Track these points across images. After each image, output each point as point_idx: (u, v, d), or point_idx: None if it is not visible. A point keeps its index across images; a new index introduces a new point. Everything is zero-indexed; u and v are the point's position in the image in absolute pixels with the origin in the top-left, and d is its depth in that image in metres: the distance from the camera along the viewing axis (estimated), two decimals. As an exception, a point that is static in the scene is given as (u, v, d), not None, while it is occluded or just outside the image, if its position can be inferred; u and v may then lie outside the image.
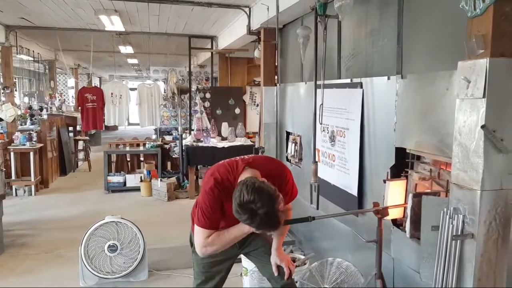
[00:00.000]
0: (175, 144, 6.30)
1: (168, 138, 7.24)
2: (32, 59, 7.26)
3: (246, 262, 2.58)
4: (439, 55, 1.86)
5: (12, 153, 5.58)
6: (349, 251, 2.64)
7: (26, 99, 8.55)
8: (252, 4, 4.32)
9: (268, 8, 3.65)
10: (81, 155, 7.94)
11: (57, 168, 6.76)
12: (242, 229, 1.68)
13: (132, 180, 5.88)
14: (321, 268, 2.21)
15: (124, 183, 5.87)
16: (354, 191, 2.52)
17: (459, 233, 1.47)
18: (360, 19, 2.55)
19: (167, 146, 6.35)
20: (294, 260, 2.61)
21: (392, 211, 1.93)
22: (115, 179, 5.85)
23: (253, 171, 1.69)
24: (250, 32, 4.40)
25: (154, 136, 7.97)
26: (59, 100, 9.45)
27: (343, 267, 2.15)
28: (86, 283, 2.96)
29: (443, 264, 1.53)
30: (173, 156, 6.29)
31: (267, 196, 1.49)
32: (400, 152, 2.11)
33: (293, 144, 3.74)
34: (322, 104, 2.56)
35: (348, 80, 2.66)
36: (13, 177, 5.58)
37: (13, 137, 5.74)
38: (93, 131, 8.89)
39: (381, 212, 1.79)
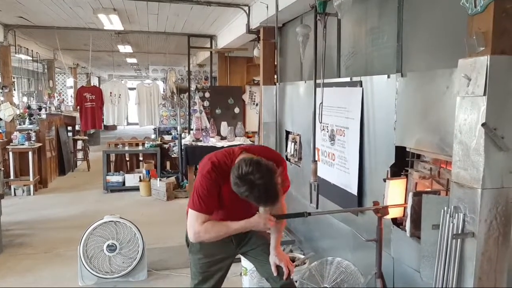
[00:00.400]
0: (174, 143, 6.29)
1: (167, 137, 7.23)
2: (31, 58, 7.24)
3: (245, 262, 2.57)
4: (439, 53, 1.85)
5: (10, 153, 5.57)
6: (349, 250, 2.63)
7: (24, 99, 8.53)
8: (252, 3, 4.31)
9: (267, 7, 3.64)
10: (80, 154, 7.93)
11: (56, 167, 6.75)
12: (241, 224, 1.67)
13: (131, 179, 5.87)
14: (320, 268, 2.21)
15: (123, 183, 5.86)
16: (354, 190, 2.51)
17: (459, 232, 1.47)
18: (360, 17, 2.54)
19: (166, 146, 6.34)
20: (293, 260, 2.60)
21: (392, 210, 1.92)
22: (114, 178, 5.84)
23: (250, 155, 1.68)
24: (249, 31, 4.39)
25: (153, 136, 7.95)
26: (58, 99, 9.44)
27: (343, 266, 2.14)
28: (85, 283, 2.95)
29: (443, 263, 1.53)
30: (172, 156, 6.28)
31: (265, 168, 1.52)
32: (400, 151, 2.10)
33: (293, 143, 3.74)
34: (321, 103, 2.55)
35: (348, 79, 2.65)
36: (12, 176, 5.56)
37: (12, 136, 5.72)
38: (92, 131, 8.87)
39: (381, 211, 1.78)
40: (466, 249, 1.46)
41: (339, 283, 2.10)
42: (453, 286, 1.49)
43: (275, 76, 4.18)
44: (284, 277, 1.83)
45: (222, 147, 5.44)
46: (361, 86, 2.45)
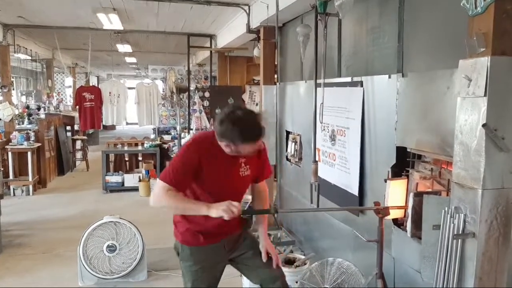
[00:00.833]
0: (174, 143, 6.28)
1: (166, 137, 7.22)
2: (30, 58, 7.22)
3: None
4: (440, 54, 1.85)
5: (9, 153, 5.55)
6: (349, 251, 2.63)
7: (23, 98, 8.52)
8: (252, 2, 4.30)
9: (267, 6, 3.64)
10: (79, 154, 7.91)
11: (55, 167, 6.73)
12: (202, 206, 1.60)
13: (130, 180, 5.86)
14: (321, 268, 2.21)
15: (123, 183, 5.85)
16: (354, 191, 2.52)
17: (460, 232, 1.47)
18: (361, 17, 2.54)
19: (165, 146, 6.33)
20: (294, 260, 2.61)
21: (393, 210, 1.92)
22: (113, 178, 5.83)
23: None
24: (249, 30, 4.39)
25: (152, 136, 7.94)
26: (57, 99, 9.42)
27: (344, 267, 2.14)
28: (85, 283, 2.95)
29: (444, 264, 1.53)
30: (172, 156, 6.27)
31: (247, 108, 1.62)
32: (401, 151, 2.10)
33: (293, 143, 3.73)
34: (322, 103, 2.55)
35: (348, 79, 2.65)
36: (11, 176, 5.54)
37: (11, 136, 5.71)
38: (91, 131, 8.85)
39: (382, 212, 1.78)
40: (466, 250, 1.47)
41: (340, 284, 2.11)
42: (454, 286, 1.49)
43: (275, 76, 4.18)
44: (274, 264, 1.79)
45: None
46: (361, 86, 2.45)
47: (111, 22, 5.16)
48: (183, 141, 5.75)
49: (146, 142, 6.34)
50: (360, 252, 2.48)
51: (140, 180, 5.80)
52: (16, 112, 6.35)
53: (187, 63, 6.88)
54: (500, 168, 1.40)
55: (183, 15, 5.05)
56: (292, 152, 3.73)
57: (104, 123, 7.51)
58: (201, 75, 8.43)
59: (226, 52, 6.56)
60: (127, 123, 12.64)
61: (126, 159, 6.50)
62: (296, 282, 2.35)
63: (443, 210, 1.55)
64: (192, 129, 6.23)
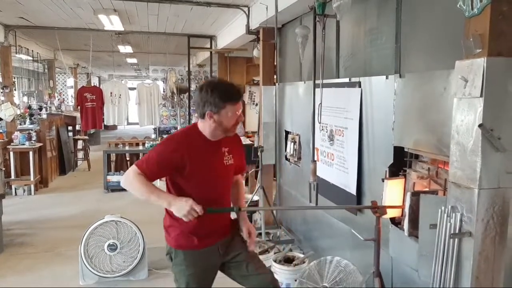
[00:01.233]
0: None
1: (167, 137, 7.22)
2: (31, 58, 7.25)
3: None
4: (437, 54, 1.87)
5: (11, 153, 5.58)
6: (348, 249, 2.65)
7: (25, 99, 8.55)
8: (251, 4, 4.32)
9: (267, 8, 3.65)
10: (80, 154, 7.94)
11: (56, 167, 6.76)
12: (167, 197, 1.61)
13: (131, 179, 5.87)
14: (320, 267, 2.22)
15: (124, 183, 5.86)
16: (353, 190, 2.53)
17: (457, 232, 1.48)
18: (359, 19, 2.55)
19: (166, 146, 6.33)
20: (293, 258, 2.62)
21: (390, 209, 1.93)
22: (115, 178, 5.84)
23: None
24: (249, 31, 4.40)
25: (153, 136, 7.96)
26: (58, 99, 9.45)
27: (342, 265, 2.15)
28: (86, 282, 2.97)
29: (441, 262, 1.54)
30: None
31: (221, 78, 1.65)
32: (399, 151, 2.12)
33: (292, 143, 3.75)
34: (320, 103, 2.57)
35: (346, 80, 2.66)
36: (13, 176, 5.57)
37: (13, 136, 5.74)
38: (92, 131, 8.88)
39: (379, 211, 1.79)
40: (463, 249, 1.48)
41: (338, 282, 2.12)
42: (451, 285, 1.51)
43: (275, 77, 4.19)
44: (249, 244, 1.77)
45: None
46: (359, 86, 2.47)
47: (112, 23, 5.19)
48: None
49: (147, 142, 6.36)
50: (358, 250, 2.49)
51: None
52: (18, 112, 6.37)
53: (187, 63, 6.90)
54: (497, 168, 1.42)
55: (184, 16, 5.07)
56: (291, 152, 3.75)
57: (105, 123, 7.54)
58: (202, 76, 8.45)
59: (226, 53, 6.58)
60: (128, 123, 12.67)
61: (127, 158, 6.52)
62: (295, 280, 2.37)
63: (440, 210, 1.56)
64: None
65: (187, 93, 6.69)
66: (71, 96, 11.97)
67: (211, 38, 6.51)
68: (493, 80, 1.38)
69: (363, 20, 2.51)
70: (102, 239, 2.95)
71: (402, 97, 2.06)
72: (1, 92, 6.03)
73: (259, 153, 3.70)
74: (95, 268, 2.94)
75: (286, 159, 3.90)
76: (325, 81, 2.58)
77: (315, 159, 2.77)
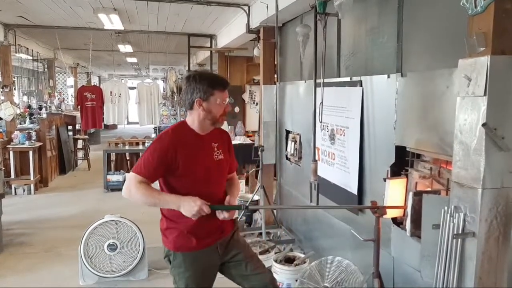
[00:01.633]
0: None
1: (167, 137, 7.20)
2: (31, 58, 7.24)
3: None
4: (439, 53, 1.85)
5: (11, 152, 5.57)
6: (349, 249, 2.63)
7: (25, 98, 8.54)
8: (251, 3, 4.31)
9: (267, 7, 3.64)
10: (80, 154, 7.93)
11: (56, 167, 6.75)
12: (173, 199, 1.59)
13: (131, 179, 5.87)
14: (320, 267, 2.21)
15: (124, 182, 5.83)
16: (354, 190, 2.52)
17: (460, 232, 1.47)
18: (360, 17, 2.54)
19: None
20: (294, 258, 2.61)
21: (392, 209, 1.92)
22: (115, 177, 5.84)
23: None
24: (249, 30, 4.39)
25: (153, 135, 7.94)
26: (58, 99, 9.44)
27: (343, 265, 2.14)
28: (85, 282, 2.96)
29: (444, 263, 1.53)
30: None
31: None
32: (400, 151, 2.10)
33: (293, 143, 3.74)
34: (321, 102, 2.55)
35: (347, 79, 2.65)
36: (13, 176, 5.57)
37: (12, 136, 5.73)
38: (92, 130, 8.88)
39: (379, 211, 1.78)
40: (466, 249, 1.47)
41: (339, 282, 2.11)
42: (454, 286, 1.49)
43: (275, 76, 4.18)
44: (226, 201, 1.72)
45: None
46: (361, 86, 2.45)
47: (112, 22, 5.18)
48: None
49: (147, 141, 6.35)
50: (359, 250, 2.48)
51: (141, 180, 5.80)
52: (18, 111, 6.36)
53: (187, 63, 6.90)
54: (500, 168, 1.40)
55: (184, 15, 5.06)
56: (292, 151, 3.74)
57: (105, 123, 7.54)
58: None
59: (226, 52, 6.57)
60: (128, 123, 12.66)
61: (127, 158, 6.51)
62: (296, 280, 2.36)
63: (442, 210, 1.55)
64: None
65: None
66: (71, 95, 11.97)
67: (211, 37, 6.50)
68: (496, 78, 1.37)
69: (364, 18, 2.49)
70: (102, 239, 2.94)
71: (403, 96, 2.05)
72: (1, 92, 6.02)
73: (259, 153, 3.69)
74: (95, 268, 2.93)
75: (287, 158, 3.89)
76: (326, 80, 2.56)
77: (316, 158, 2.76)
